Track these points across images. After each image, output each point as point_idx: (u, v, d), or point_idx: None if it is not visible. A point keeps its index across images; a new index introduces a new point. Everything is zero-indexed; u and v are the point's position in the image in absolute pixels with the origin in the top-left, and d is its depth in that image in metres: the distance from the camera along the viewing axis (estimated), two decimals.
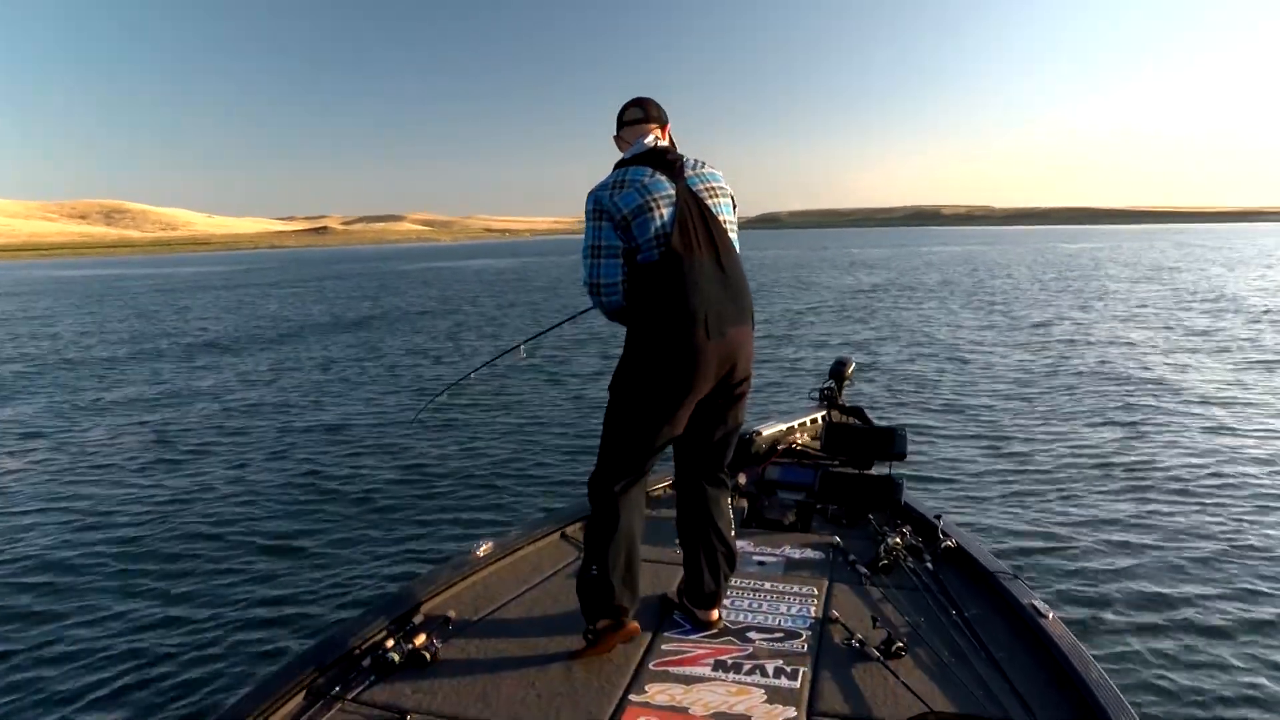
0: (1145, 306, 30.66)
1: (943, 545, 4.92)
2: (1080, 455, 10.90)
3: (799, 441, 6.80)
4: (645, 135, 3.86)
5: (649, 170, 3.70)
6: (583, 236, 3.74)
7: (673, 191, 3.67)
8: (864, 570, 4.72)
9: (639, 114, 3.90)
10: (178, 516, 9.04)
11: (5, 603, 6.95)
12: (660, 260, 3.60)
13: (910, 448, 6.31)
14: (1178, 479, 9.75)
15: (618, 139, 3.95)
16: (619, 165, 3.77)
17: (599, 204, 3.64)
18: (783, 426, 6.82)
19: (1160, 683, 5.52)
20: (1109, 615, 6.40)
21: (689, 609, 4.15)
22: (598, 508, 3.90)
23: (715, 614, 4.13)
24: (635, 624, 3.96)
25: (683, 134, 4.02)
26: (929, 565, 4.76)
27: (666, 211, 3.62)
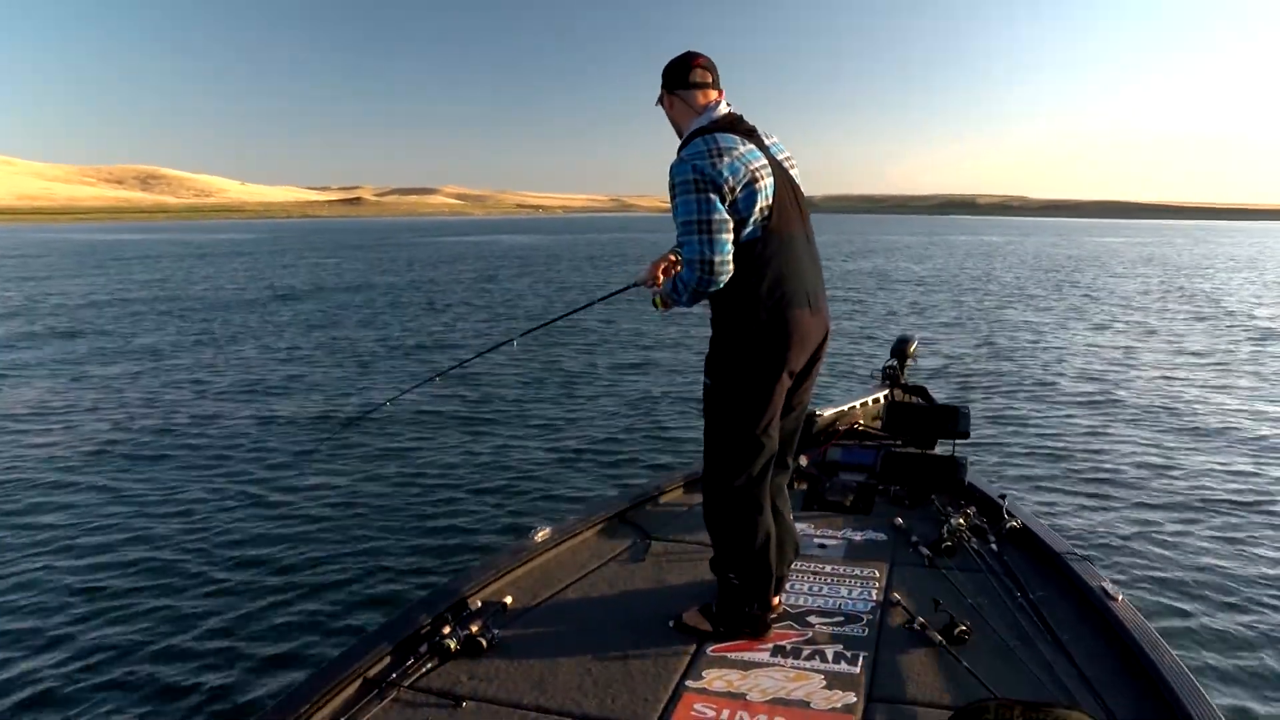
0: (1218, 301, 30.46)
1: (1007, 526, 4.84)
2: (1150, 438, 10.77)
3: (860, 422, 6.72)
4: (716, 100, 3.67)
5: (737, 139, 3.50)
6: (676, 210, 3.43)
7: (767, 162, 3.52)
8: (926, 552, 4.64)
9: (709, 77, 3.66)
10: (223, 505, 8.84)
11: (57, 594, 6.78)
12: (765, 235, 3.48)
13: (973, 427, 6.19)
14: (1254, 467, 9.61)
15: (676, 98, 3.70)
16: (701, 132, 3.53)
17: (703, 174, 3.36)
18: (844, 407, 6.74)
19: (1235, 671, 5.38)
20: (1179, 600, 6.27)
21: None
22: (724, 509, 3.77)
23: (777, 600, 4.03)
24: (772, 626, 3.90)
25: None
26: (993, 546, 4.68)
27: (768, 183, 3.48)
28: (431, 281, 38.87)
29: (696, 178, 3.36)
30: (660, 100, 3.77)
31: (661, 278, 4.00)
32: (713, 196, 3.35)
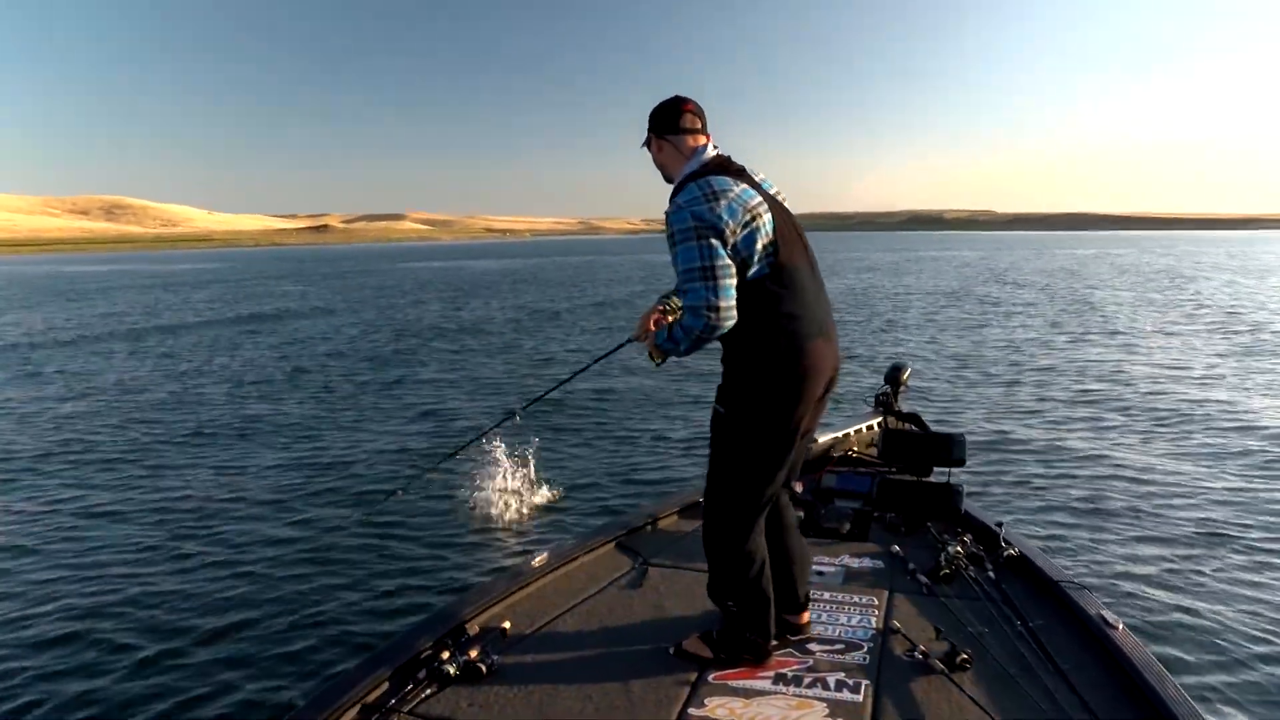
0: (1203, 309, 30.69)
1: (1005, 554, 4.87)
2: (1144, 465, 10.60)
3: (855, 448, 6.75)
4: (704, 144, 3.73)
5: (730, 180, 3.53)
6: (677, 258, 3.45)
7: (762, 199, 3.55)
8: (925, 580, 4.67)
9: (698, 122, 3.72)
10: (217, 523, 8.88)
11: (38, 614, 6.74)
12: (773, 273, 3.50)
13: (968, 454, 6.17)
14: (1254, 492, 9.43)
15: (665, 142, 3.74)
16: (693, 177, 3.55)
17: (701, 219, 3.39)
18: (839, 434, 6.75)
19: (1239, 700, 5.26)
20: (1178, 630, 6.15)
21: (778, 617, 4.01)
22: (727, 537, 3.77)
23: (807, 616, 4.10)
24: (774, 651, 3.93)
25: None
26: (991, 574, 4.70)
27: (767, 219, 3.51)
28: (415, 310, 38.46)
29: (696, 224, 3.39)
30: (647, 143, 3.81)
31: (653, 328, 3.97)
32: (714, 241, 3.38)
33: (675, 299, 4.05)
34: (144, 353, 24.03)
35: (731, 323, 3.43)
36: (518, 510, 9.12)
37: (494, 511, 9.04)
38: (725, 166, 3.61)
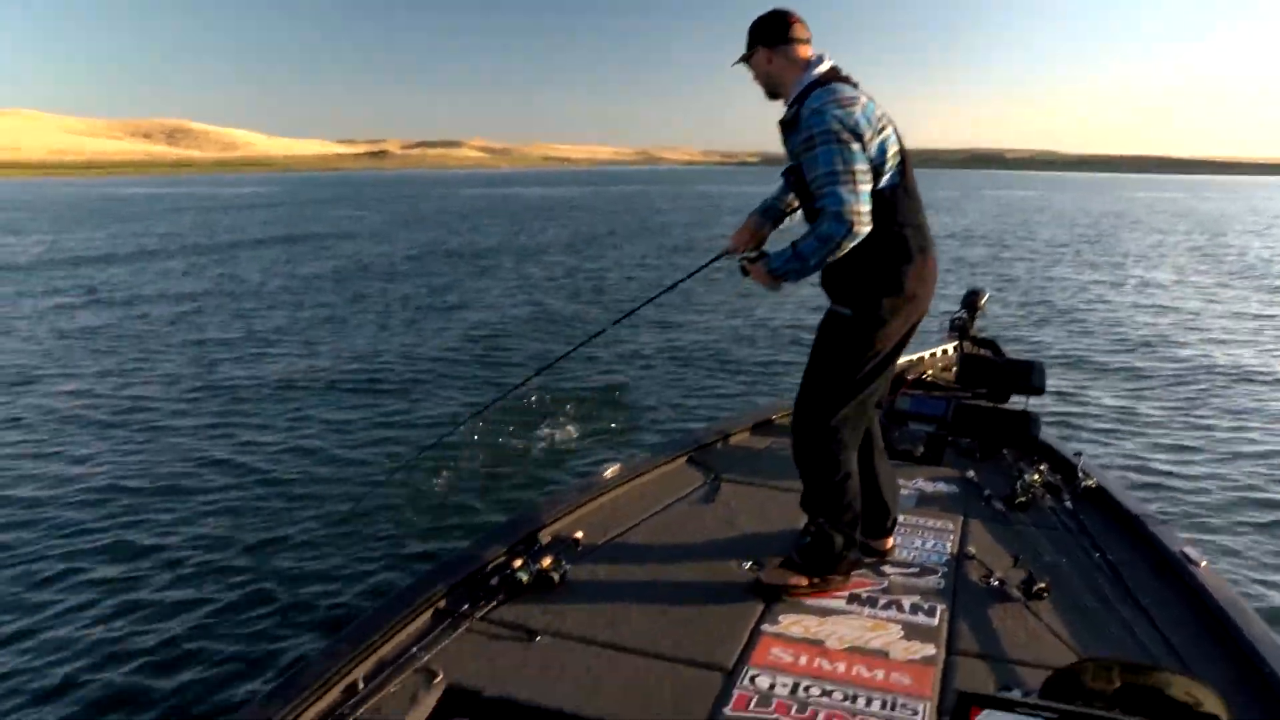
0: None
1: (1082, 485, 4.81)
2: (1227, 404, 10.37)
3: (929, 372, 6.60)
4: (816, 55, 3.57)
5: (855, 90, 3.43)
6: (816, 161, 3.32)
7: (884, 111, 3.47)
8: (1000, 506, 4.63)
9: (806, 33, 3.59)
10: (296, 443, 8.97)
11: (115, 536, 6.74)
12: (901, 183, 3.47)
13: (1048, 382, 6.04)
14: None
15: (776, 54, 3.57)
16: (819, 83, 3.43)
17: (842, 123, 3.29)
18: (912, 356, 6.59)
19: None
20: (1262, 571, 6.03)
21: (861, 541, 3.91)
22: (837, 456, 3.67)
23: (890, 541, 4.07)
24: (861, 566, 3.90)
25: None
26: (1068, 504, 4.65)
27: (892, 131, 3.46)
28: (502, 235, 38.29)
29: (837, 127, 3.29)
30: (747, 58, 3.67)
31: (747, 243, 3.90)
32: (855, 146, 3.30)
33: (786, 204, 3.93)
34: (202, 272, 24.15)
35: (868, 230, 3.33)
36: (583, 428, 9.11)
37: (559, 431, 9.03)
38: (846, 78, 3.50)
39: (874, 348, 3.55)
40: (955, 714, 2.23)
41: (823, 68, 3.49)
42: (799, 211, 3.83)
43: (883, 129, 3.39)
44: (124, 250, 30.92)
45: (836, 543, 3.68)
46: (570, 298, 19.21)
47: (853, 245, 3.33)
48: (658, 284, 17.90)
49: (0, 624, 5.49)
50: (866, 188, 3.31)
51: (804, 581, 3.65)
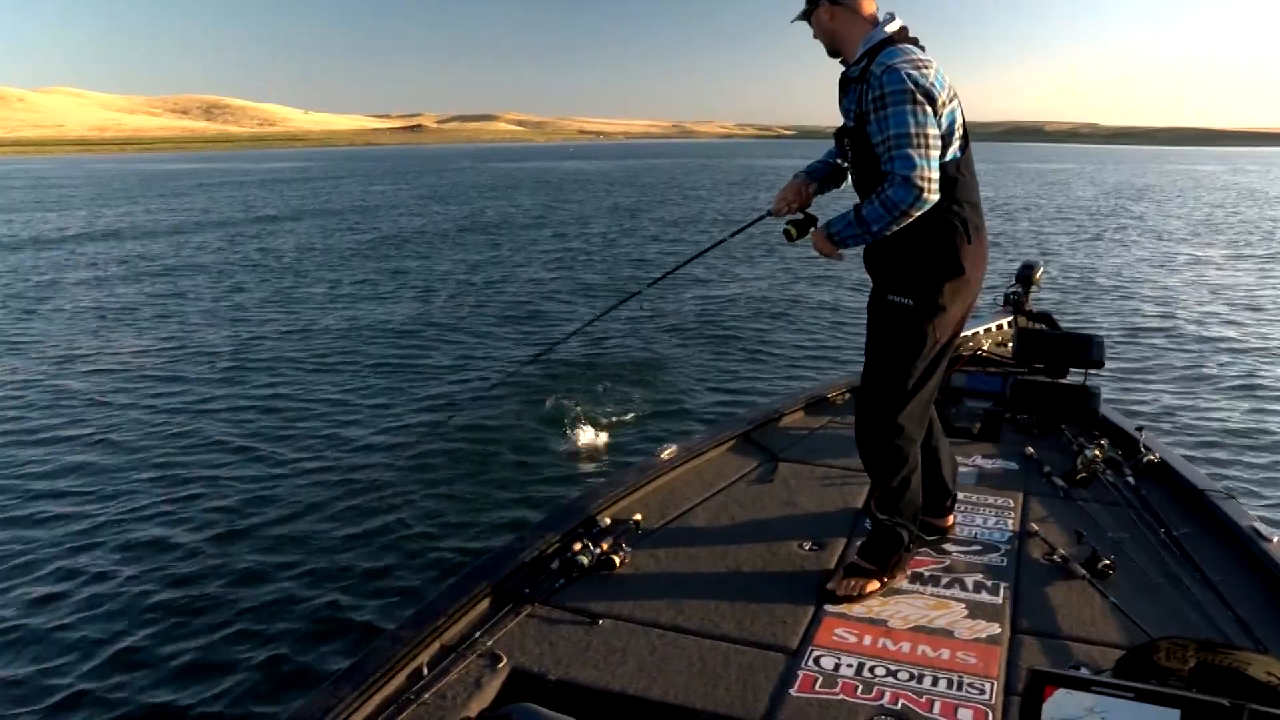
0: None
1: (1144, 459, 4.71)
2: None
3: (984, 348, 6.50)
4: (887, 14, 3.36)
5: (922, 51, 3.24)
6: (886, 122, 3.11)
7: (950, 81, 3.28)
8: (1060, 483, 4.54)
9: None
10: (339, 421, 8.92)
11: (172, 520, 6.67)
12: (964, 158, 3.31)
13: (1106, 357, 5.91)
14: None
15: (839, 8, 3.34)
16: (890, 42, 3.22)
17: (917, 84, 3.08)
18: (966, 332, 6.43)
19: None
20: None
21: (922, 520, 3.80)
22: (897, 451, 3.52)
23: (951, 519, 4.00)
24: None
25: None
26: (1130, 480, 4.56)
27: (958, 103, 3.28)
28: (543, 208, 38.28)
29: (912, 87, 3.09)
30: (808, 15, 3.46)
31: (796, 207, 3.70)
32: (928, 109, 3.10)
33: (832, 167, 3.74)
34: (238, 246, 24.29)
35: (935, 200, 3.14)
36: (631, 408, 9.04)
37: (620, 403, 9.03)
38: (915, 40, 3.30)
39: (936, 337, 3.39)
40: (1028, 693, 2.16)
41: (893, 26, 3.29)
42: (847, 179, 3.66)
43: (953, 98, 3.22)
44: (163, 225, 31.23)
45: (904, 539, 3.58)
46: (608, 270, 19.20)
47: (919, 214, 3.15)
48: (722, 251, 17.85)
49: (67, 598, 5.53)
50: (937, 154, 3.12)
51: (877, 585, 3.53)
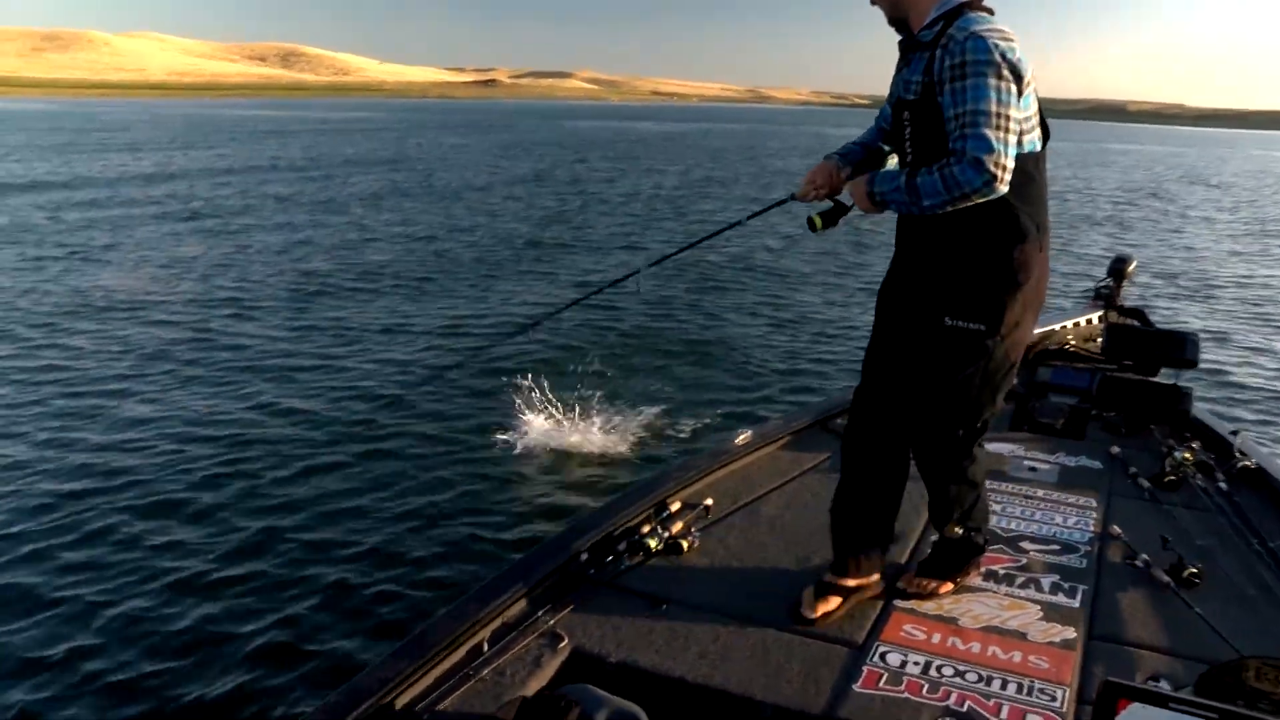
0: None
1: (1239, 465, 4.52)
2: None
3: (1070, 342, 6.32)
4: None
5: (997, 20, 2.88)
6: (965, 95, 2.73)
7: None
8: (1147, 485, 4.39)
9: None
10: (401, 391, 8.67)
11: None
12: (1042, 151, 2.93)
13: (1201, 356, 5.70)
14: None
15: None
16: (970, 7, 2.85)
17: (1005, 58, 2.71)
18: (1053, 326, 6.35)
19: None
20: None
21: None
22: (967, 476, 3.27)
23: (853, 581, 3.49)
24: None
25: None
26: (1222, 485, 4.36)
27: (1034, 86, 2.87)
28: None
29: (1000, 59, 2.71)
30: None
31: (830, 185, 3.28)
32: (1013, 88, 2.73)
33: (871, 150, 3.34)
34: (307, 195, 24.48)
35: (1002, 193, 2.75)
36: (718, 386, 8.90)
37: (696, 387, 8.85)
38: (992, 11, 2.92)
39: (1010, 359, 3.06)
40: (1100, 703, 2.04)
41: None
42: (891, 161, 3.27)
43: (1032, 81, 2.83)
44: (237, 168, 31.57)
45: (980, 545, 3.42)
46: (674, 238, 18.92)
47: (984, 199, 2.75)
48: (767, 229, 17.59)
49: (124, 553, 5.48)
50: (1015, 140, 2.74)
51: (950, 586, 3.38)
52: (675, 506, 3.91)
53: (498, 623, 3.03)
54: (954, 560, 3.40)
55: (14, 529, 5.74)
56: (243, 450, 7.02)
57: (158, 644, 4.65)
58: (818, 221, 3.26)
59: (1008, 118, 2.70)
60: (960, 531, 3.35)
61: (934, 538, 3.47)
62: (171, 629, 4.78)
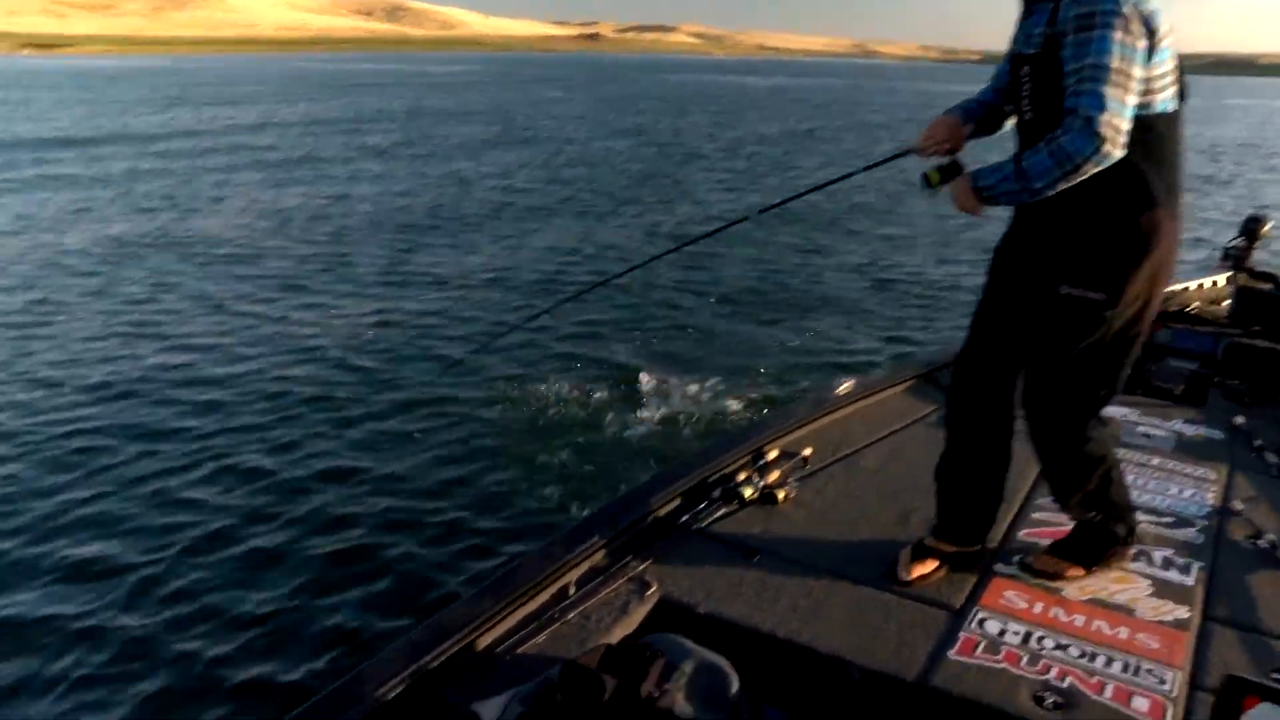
0: None
1: None
2: None
3: (1197, 304, 6.07)
4: None
5: None
6: (1087, 48, 2.51)
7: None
8: (1274, 459, 4.10)
9: None
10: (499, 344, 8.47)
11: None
12: (1178, 111, 2.72)
13: None
14: None
15: None
16: None
17: (1138, 9, 2.51)
18: (1176, 287, 6.06)
19: None
20: None
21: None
22: (1088, 455, 3.00)
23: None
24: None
25: None
26: None
27: (1172, 39, 2.62)
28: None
29: (1130, 12, 2.50)
30: None
31: (943, 147, 3.06)
32: (1141, 45, 2.52)
33: (989, 107, 3.12)
34: (405, 150, 24.59)
35: (1118, 158, 2.52)
36: (822, 334, 8.80)
37: (797, 333, 8.75)
38: None
39: (1131, 334, 2.85)
40: (1223, 699, 1.90)
41: None
42: (1009, 123, 3.07)
43: (1168, 33, 2.60)
44: (342, 118, 31.96)
45: (1119, 533, 3.13)
46: (778, 193, 18.64)
47: (1094, 170, 2.54)
48: (873, 187, 17.22)
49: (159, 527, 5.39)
50: (1135, 101, 2.53)
51: (1080, 572, 3.12)
52: (772, 455, 3.79)
53: (585, 566, 2.98)
54: (1091, 547, 3.16)
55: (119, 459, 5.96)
56: (345, 390, 7.18)
57: (276, 579, 4.78)
58: (934, 177, 3.01)
59: (1129, 75, 2.50)
60: (1095, 516, 3.11)
61: (1068, 520, 3.22)
62: (296, 557, 4.97)
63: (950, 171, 2.98)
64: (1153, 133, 2.63)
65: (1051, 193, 2.62)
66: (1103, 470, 3.03)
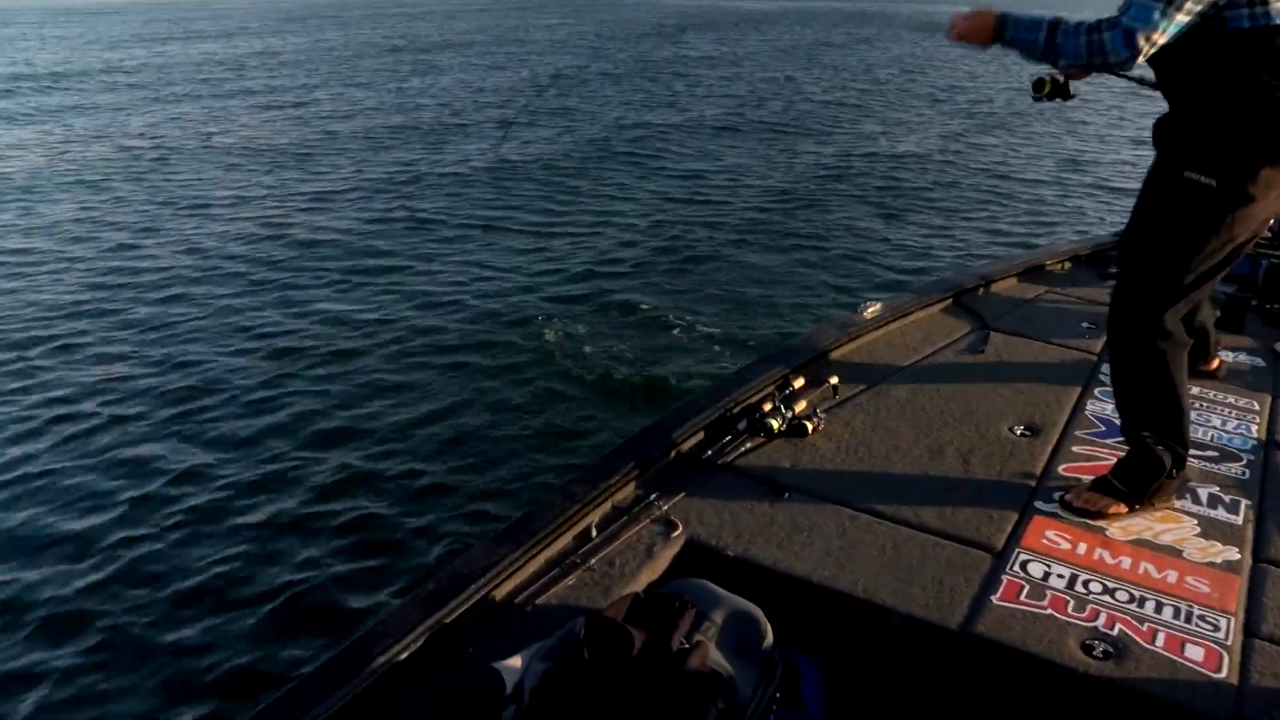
0: None
1: None
2: None
3: None
4: None
5: None
6: None
7: None
8: None
9: None
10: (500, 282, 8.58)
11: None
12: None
13: None
14: None
15: None
16: None
17: None
18: None
19: None
20: None
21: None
22: (1159, 356, 2.92)
23: (1217, 362, 3.83)
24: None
25: None
26: None
27: None
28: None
29: None
30: None
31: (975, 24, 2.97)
32: None
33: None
34: (401, 85, 24.40)
35: (1130, 67, 2.69)
36: (845, 254, 8.72)
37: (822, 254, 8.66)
38: None
39: (1234, 231, 2.78)
40: None
41: None
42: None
43: None
44: (334, 49, 31.71)
45: (1166, 463, 2.99)
46: (783, 119, 18.33)
47: (1108, 70, 2.75)
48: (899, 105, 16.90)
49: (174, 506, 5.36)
50: (1184, 20, 2.53)
51: (1123, 509, 3.02)
52: (799, 384, 3.66)
53: (608, 505, 2.90)
54: (1135, 478, 3.02)
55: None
56: (371, 342, 7.15)
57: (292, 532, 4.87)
58: (1048, 84, 3.17)
59: None
60: (1145, 436, 2.99)
61: (1108, 453, 3.21)
62: (303, 512, 5.04)
63: (1062, 85, 3.18)
64: (1272, 46, 2.59)
65: (1066, 68, 2.89)
66: (1168, 382, 2.95)
